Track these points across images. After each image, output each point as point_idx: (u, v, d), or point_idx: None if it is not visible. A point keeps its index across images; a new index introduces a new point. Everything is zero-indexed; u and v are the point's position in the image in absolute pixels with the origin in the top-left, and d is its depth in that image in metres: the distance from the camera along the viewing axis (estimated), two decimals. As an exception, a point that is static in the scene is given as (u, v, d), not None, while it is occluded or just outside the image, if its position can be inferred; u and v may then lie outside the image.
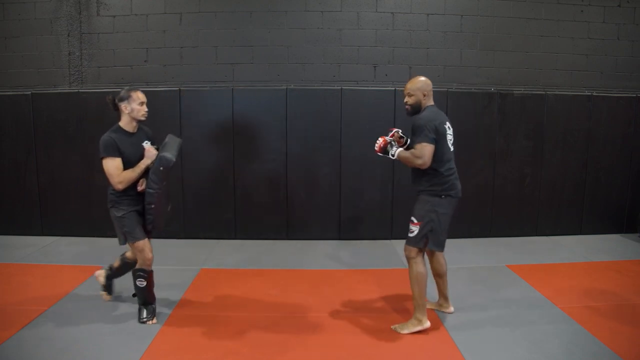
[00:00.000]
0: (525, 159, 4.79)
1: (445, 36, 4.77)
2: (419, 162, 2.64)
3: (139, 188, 2.83)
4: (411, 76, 4.75)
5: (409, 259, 2.78)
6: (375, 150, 2.81)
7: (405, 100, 2.78)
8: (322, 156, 4.66)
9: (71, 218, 4.75)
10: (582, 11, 4.81)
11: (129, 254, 3.10)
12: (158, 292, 3.03)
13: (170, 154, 2.75)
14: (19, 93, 4.68)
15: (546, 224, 4.90)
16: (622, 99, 4.83)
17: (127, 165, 2.76)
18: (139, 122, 2.87)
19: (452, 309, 3.04)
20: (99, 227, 4.75)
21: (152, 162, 2.79)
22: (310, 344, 2.65)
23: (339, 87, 4.62)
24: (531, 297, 3.29)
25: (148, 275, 2.89)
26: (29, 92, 4.66)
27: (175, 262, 3.90)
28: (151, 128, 4.52)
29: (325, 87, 4.66)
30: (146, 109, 2.83)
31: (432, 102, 2.78)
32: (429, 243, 2.73)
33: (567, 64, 4.88)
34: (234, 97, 4.57)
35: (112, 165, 2.72)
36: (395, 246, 4.54)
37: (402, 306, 3.16)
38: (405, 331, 2.74)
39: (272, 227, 4.75)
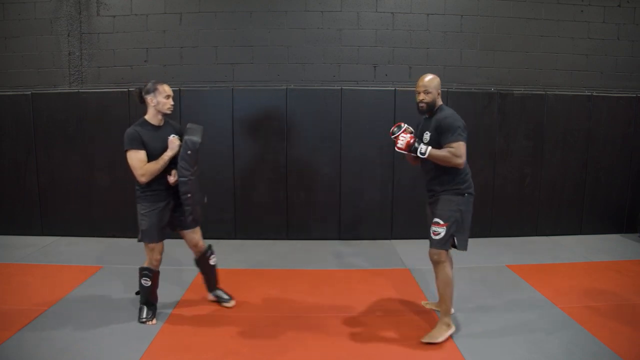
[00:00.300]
0: (525, 159, 4.79)
1: (445, 36, 4.77)
2: (458, 161, 2.59)
3: (171, 180, 2.78)
4: (411, 76, 4.78)
5: (438, 262, 2.70)
6: (401, 148, 2.64)
7: (421, 98, 2.70)
8: (322, 156, 4.66)
9: (71, 218, 4.75)
10: (582, 11, 4.81)
11: (195, 257, 3.10)
12: (159, 292, 3.03)
13: (195, 137, 2.75)
14: (19, 93, 4.68)
15: (546, 224, 4.90)
16: (622, 99, 4.83)
17: (152, 159, 2.73)
18: (165, 115, 2.86)
19: (453, 310, 2.99)
20: (99, 227, 4.76)
21: (178, 152, 2.77)
22: (310, 344, 2.65)
23: (339, 87, 4.62)
24: (531, 297, 3.30)
25: (154, 275, 2.90)
26: (29, 92, 4.66)
27: (175, 262, 3.89)
28: (151, 128, 4.57)
29: (325, 87, 4.66)
30: (172, 103, 2.84)
31: (441, 101, 2.78)
32: (456, 243, 2.69)
33: (567, 64, 4.88)
34: (234, 97, 4.57)
35: (136, 158, 2.70)
36: (395, 246, 4.54)
37: (402, 306, 3.16)
38: (440, 339, 2.63)
39: (272, 227, 4.75)
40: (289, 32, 4.72)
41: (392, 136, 2.69)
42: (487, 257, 4.23)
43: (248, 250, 4.38)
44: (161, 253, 2.91)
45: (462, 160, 2.59)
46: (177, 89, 4.59)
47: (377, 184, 4.70)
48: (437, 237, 2.67)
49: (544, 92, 4.77)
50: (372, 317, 2.98)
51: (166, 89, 2.82)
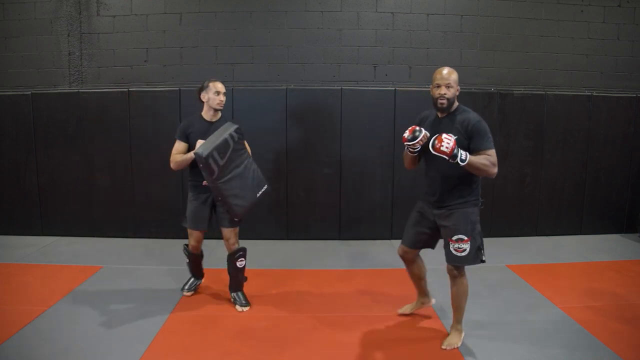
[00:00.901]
0: (525, 159, 4.79)
1: (445, 36, 4.76)
2: (494, 170, 2.40)
3: (203, 182, 2.97)
4: (411, 76, 4.78)
5: (457, 277, 2.57)
6: (444, 152, 2.25)
7: (442, 93, 2.44)
8: (322, 156, 4.66)
9: (71, 218, 4.75)
10: (582, 11, 4.81)
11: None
12: (158, 292, 3.04)
13: (202, 149, 2.74)
14: (19, 93, 4.68)
15: (546, 224, 4.90)
16: (622, 99, 4.83)
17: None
18: (217, 111, 3.03)
19: (433, 300, 3.02)
20: (99, 227, 4.76)
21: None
22: (310, 344, 2.65)
23: (339, 87, 4.62)
24: (531, 297, 3.29)
25: (191, 255, 3.24)
26: (29, 92, 4.66)
27: (175, 262, 3.89)
28: (151, 128, 4.59)
29: (325, 87, 4.66)
30: (222, 99, 2.99)
31: None
32: (484, 256, 2.55)
33: (567, 64, 4.88)
34: (234, 97, 4.57)
35: (174, 147, 3.00)
36: (395, 246, 4.50)
37: (401, 306, 3.15)
38: (459, 344, 2.59)
39: (272, 227, 4.75)
40: (289, 32, 4.72)
41: (412, 142, 2.37)
42: (487, 257, 4.20)
43: (248, 251, 4.36)
44: (198, 241, 3.18)
45: (496, 169, 2.40)
46: (177, 89, 4.60)
47: (377, 184, 4.70)
48: (463, 254, 2.49)
49: (544, 92, 4.77)
50: (372, 317, 2.98)
51: (217, 86, 2.99)
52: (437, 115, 2.57)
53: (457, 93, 2.50)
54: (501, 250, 4.40)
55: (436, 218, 2.57)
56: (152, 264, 3.94)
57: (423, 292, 2.96)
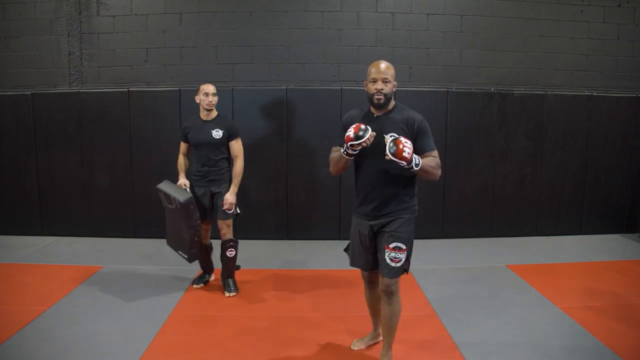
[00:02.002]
0: (525, 159, 4.79)
1: (445, 36, 4.76)
2: (439, 172, 2.23)
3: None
4: (411, 76, 4.78)
5: (394, 293, 2.29)
6: (406, 157, 2.02)
7: (379, 88, 2.19)
8: (322, 156, 4.63)
9: (71, 218, 4.75)
10: (582, 11, 4.81)
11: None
12: (158, 292, 3.04)
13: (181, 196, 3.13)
14: (19, 93, 4.67)
15: (546, 224, 4.90)
16: (622, 99, 4.83)
17: (196, 146, 3.28)
18: (209, 111, 3.26)
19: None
20: (99, 227, 4.76)
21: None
22: (310, 344, 2.65)
23: (339, 87, 4.62)
24: (531, 297, 3.29)
25: (200, 245, 3.31)
26: (29, 92, 4.66)
27: (175, 262, 3.89)
28: (151, 128, 4.59)
29: (325, 87, 4.66)
30: (210, 100, 3.22)
31: None
32: (409, 267, 2.31)
33: (567, 64, 4.88)
34: (234, 97, 4.57)
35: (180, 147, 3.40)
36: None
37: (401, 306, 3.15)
38: None
39: (272, 227, 4.75)
40: (289, 32, 4.72)
41: (357, 142, 2.08)
42: (487, 257, 4.23)
43: (248, 250, 4.37)
44: (205, 230, 3.39)
45: (440, 172, 2.24)
46: (177, 89, 4.59)
47: (377, 184, 4.69)
48: (398, 265, 2.23)
49: (544, 92, 4.77)
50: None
51: (204, 88, 3.24)
52: (372, 114, 2.30)
53: (394, 89, 2.27)
54: (501, 250, 4.40)
55: (375, 228, 2.30)
56: (152, 264, 3.94)
57: (379, 321, 2.55)
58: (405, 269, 2.28)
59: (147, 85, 4.72)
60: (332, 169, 2.40)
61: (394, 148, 2.01)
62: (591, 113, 4.80)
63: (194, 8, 4.68)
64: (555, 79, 4.89)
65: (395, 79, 2.27)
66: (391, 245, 2.22)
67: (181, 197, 3.11)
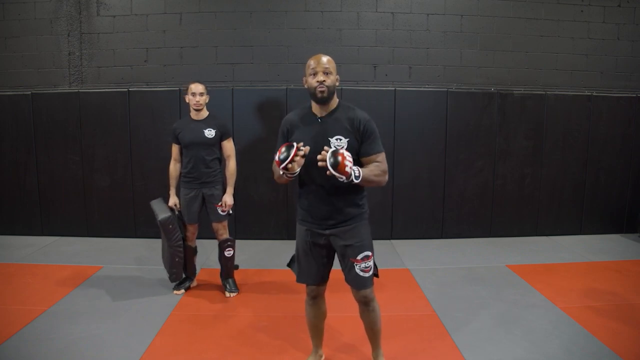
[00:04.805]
0: (525, 159, 4.79)
1: (445, 36, 4.76)
2: (385, 179, 2.06)
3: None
4: (411, 76, 4.78)
5: (369, 301, 2.17)
6: (348, 173, 1.86)
7: (321, 80, 2.00)
8: (322, 156, 4.65)
9: (71, 218, 4.75)
10: (582, 11, 4.81)
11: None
12: (158, 292, 3.03)
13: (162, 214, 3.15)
14: (19, 93, 4.68)
15: (546, 224, 4.90)
16: (622, 99, 4.83)
17: (187, 146, 3.20)
18: (198, 110, 3.22)
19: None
20: (99, 227, 4.76)
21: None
22: (311, 344, 2.64)
23: (339, 87, 4.60)
24: (531, 297, 3.29)
25: (184, 248, 3.24)
26: (29, 92, 4.66)
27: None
28: (151, 128, 4.60)
29: (325, 87, 4.65)
30: (197, 99, 3.17)
31: None
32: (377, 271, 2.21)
33: (567, 64, 4.88)
34: (234, 97, 4.57)
35: (172, 149, 3.32)
36: (395, 246, 4.54)
37: (401, 306, 3.16)
38: None
39: (272, 227, 4.75)
40: (289, 32, 4.72)
41: (285, 163, 1.97)
42: (487, 257, 4.23)
43: (248, 250, 4.38)
44: (192, 233, 3.34)
45: (387, 177, 2.07)
46: (177, 89, 4.60)
47: (377, 184, 4.69)
48: (369, 274, 2.13)
49: (544, 92, 4.77)
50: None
51: (192, 87, 3.18)
52: (315, 115, 2.11)
53: (337, 84, 2.08)
54: (501, 250, 4.40)
55: (331, 239, 2.13)
56: (152, 264, 3.94)
57: (321, 341, 2.46)
58: (375, 274, 2.18)
59: (147, 85, 4.72)
60: (276, 179, 2.20)
61: (336, 161, 1.84)
62: (591, 113, 4.80)
63: (194, 8, 4.68)
64: (555, 79, 4.89)
65: (338, 74, 2.08)
66: (359, 257, 2.10)
67: (160, 215, 3.10)
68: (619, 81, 4.93)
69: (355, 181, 1.91)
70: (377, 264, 2.22)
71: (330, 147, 1.95)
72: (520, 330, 2.80)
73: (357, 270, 2.11)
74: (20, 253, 4.21)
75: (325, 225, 2.11)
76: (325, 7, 4.70)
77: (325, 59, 2.05)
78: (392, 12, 4.71)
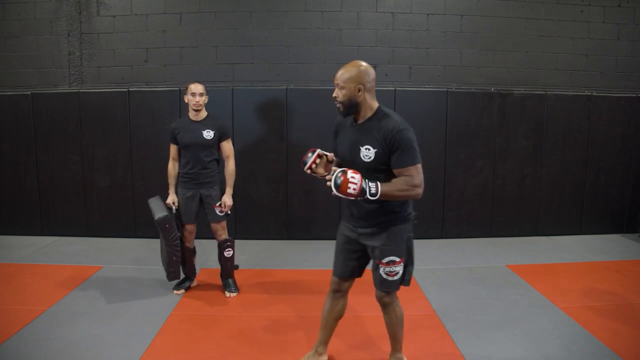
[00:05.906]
0: (525, 159, 4.79)
1: (445, 36, 4.76)
2: (417, 192, 1.96)
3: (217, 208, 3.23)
4: (411, 76, 4.78)
5: (390, 304, 2.21)
6: (353, 194, 1.89)
7: (334, 96, 2.08)
8: (322, 156, 4.65)
9: (71, 218, 4.75)
10: (582, 11, 4.81)
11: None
12: (158, 292, 3.04)
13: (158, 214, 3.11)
14: (19, 93, 4.68)
15: (546, 224, 4.90)
16: (622, 99, 4.83)
17: (186, 147, 3.20)
18: (197, 111, 3.21)
19: (326, 356, 2.45)
20: (99, 227, 4.76)
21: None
22: (310, 344, 2.64)
23: (339, 87, 4.61)
24: (531, 297, 3.29)
25: (182, 247, 3.23)
26: (29, 92, 4.66)
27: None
28: (151, 128, 4.60)
29: (325, 87, 4.65)
30: (197, 100, 3.15)
31: (375, 101, 2.09)
32: (406, 278, 2.19)
33: (567, 64, 4.88)
34: (234, 97, 4.57)
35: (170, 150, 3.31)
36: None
37: (401, 306, 3.15)
38: None
39: (272, 227, 4.75)
40: (289, 32, 4.72)
41: (306, 167, 2.09)
42: (487, 257, 4.23)
43: (248, 250, 4.37)
44: (190, 233, 3.32)
45: (420, 190, 1.96)
46: (177, 89, 4.60)
47: (377, 184, 4.69)
48: (395, 278, 2.13)
49: (544, 92, 4.77)
50: (372, 317, 2.98)
51: (192, 87, 3.16)
52: (355, 121, 2.13)
53: (359, 92, 2.03)
54: (501, 250, 4.40)
55: (361, 238, 2.17)
56: (152, 264, 3.94)
57: (327, 338, 2.42)
58: (403, 282, 2.17)
59: (147, 85, 4.72)
60: None
61: (338, 183, 1.87)
62: (591, 113, 4.80)
63: (194, 8, 4.68)
64: (555, 79, 4.89)
65: (357, 81, 2.02)
66: (384, 261, 2.10)
67: (156, 214, 3.09)
68: (619, 81, 4.93)
69: (371, 198, 1.91)
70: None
71: (360, 156, 2.01)
72: (520, 330, 2.80)
73: (381, 272, 2.14)
74: (20, 253, 4.21)
75: (357, 225, 2.16)
76: (325, 7, 4.70)
77: (339, 72, 2.06)
78: (392, 12, 4.72)
